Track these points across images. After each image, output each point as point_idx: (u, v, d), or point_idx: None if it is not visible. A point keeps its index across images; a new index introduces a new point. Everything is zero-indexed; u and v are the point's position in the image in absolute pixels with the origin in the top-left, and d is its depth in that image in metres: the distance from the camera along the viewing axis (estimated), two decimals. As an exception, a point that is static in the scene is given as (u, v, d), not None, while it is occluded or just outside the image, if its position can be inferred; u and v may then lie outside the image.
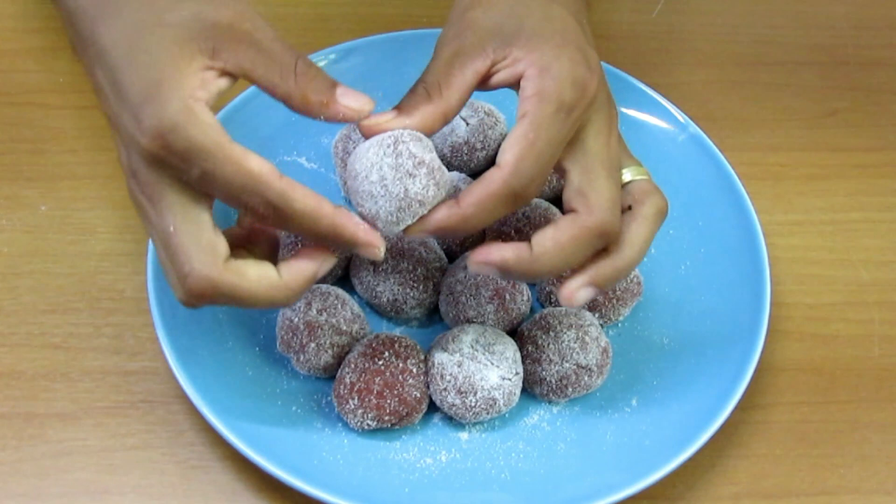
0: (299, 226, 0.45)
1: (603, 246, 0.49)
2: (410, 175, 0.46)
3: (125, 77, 0.44)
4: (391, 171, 0.46)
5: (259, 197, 0.44)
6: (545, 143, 0.46)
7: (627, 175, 0.51)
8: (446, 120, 0.48)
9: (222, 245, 0.45)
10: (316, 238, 0.46)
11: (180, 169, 0.44)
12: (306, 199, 0.45)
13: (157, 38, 0.45)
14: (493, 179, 0.46)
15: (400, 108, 0.48)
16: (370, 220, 0.47)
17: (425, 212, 0.47)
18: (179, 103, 0.43)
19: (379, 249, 0.47)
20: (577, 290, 0.49)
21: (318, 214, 0.45)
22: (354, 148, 0.55)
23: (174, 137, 0.43)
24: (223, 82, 0.46)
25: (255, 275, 0.46)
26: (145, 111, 0.43)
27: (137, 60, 0.44)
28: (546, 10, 0.49)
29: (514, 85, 0.48)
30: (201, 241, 0.45)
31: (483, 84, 0.48)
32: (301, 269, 0.47)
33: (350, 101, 0.47)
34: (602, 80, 0.49)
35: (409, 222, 0.47)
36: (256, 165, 0.44)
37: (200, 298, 0.46)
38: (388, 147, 0.46)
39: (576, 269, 0.49)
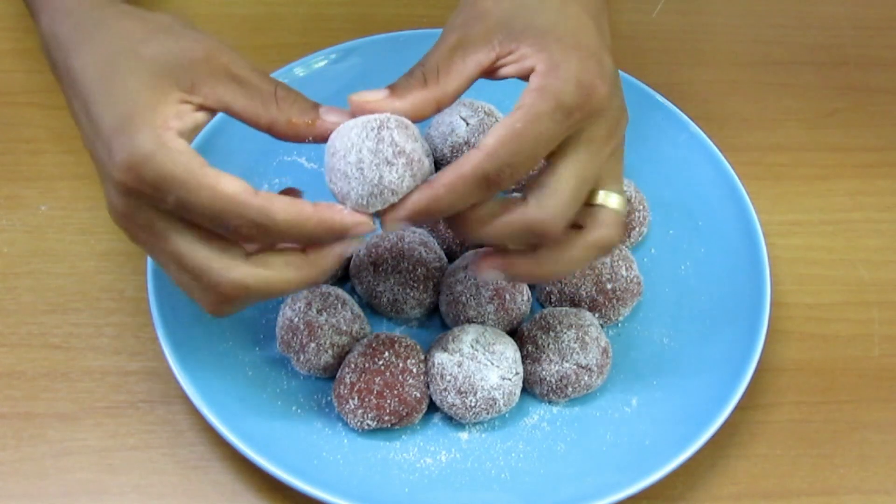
0: (288, 235, 0.45)
1: (534, 242, 0.48)
2: (388, 163, 0.46)
3: (98, 109, 0.44)
4: (370, 156, 0.46)
5: (239, 218, 0.44)
6: (532, 137, 0.45)
7: (600, 197, 0.49)
8: (439, 108, 0.47)
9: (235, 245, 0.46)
10: (309, 241, 0.46)
11: (156, 199, 0.44)
12: (287, 209, 0.45)
13: (131, 70, 0.45)
14: (468, 160, 0.45)
15: (393, 88, 0.47)
16: (340, 200, 0.47)
17: (395, 201, 0.47)
18: (150, 134, 0.43)
19: (369, 224, 0.47)
20: (488, 268, 0.49)
21: (302, 219, 0.45)
22: None
23: (145, 169, 0.43)
24: (200, 116, 0.46)
25: (281, 261, 0.46)
26: (116, 143, 0.43)
27: (111, 92, 0.44)
28: (562, 8, 0.48)
29: (524, 79, 0.47)
30: (214, 250, 0.45)
31: (488, 75, 0.48)
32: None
33: (334, 116, 0.47)
34: (614, 90, 0.47)
35: (379, 208, 0.47)
36: (231, 187, 0.44)
37: (234, 303, 0.46)
38: (372, 130, 0.46)
39: (502, 252, 0.49)
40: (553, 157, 0.47)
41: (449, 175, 0.45)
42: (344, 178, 0.46)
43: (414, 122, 0.47)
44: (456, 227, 0.48)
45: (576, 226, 0.49)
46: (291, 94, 0.47)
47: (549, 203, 0.46)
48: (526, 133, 0.45)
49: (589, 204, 0.49)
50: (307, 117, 0.47)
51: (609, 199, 0.49)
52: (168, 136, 0.44)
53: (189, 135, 0.45)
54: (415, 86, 0.47)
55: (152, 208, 0.45)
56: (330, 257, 0.47)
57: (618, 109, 0.48)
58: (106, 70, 0.45)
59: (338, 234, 0.46)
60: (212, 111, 0.46)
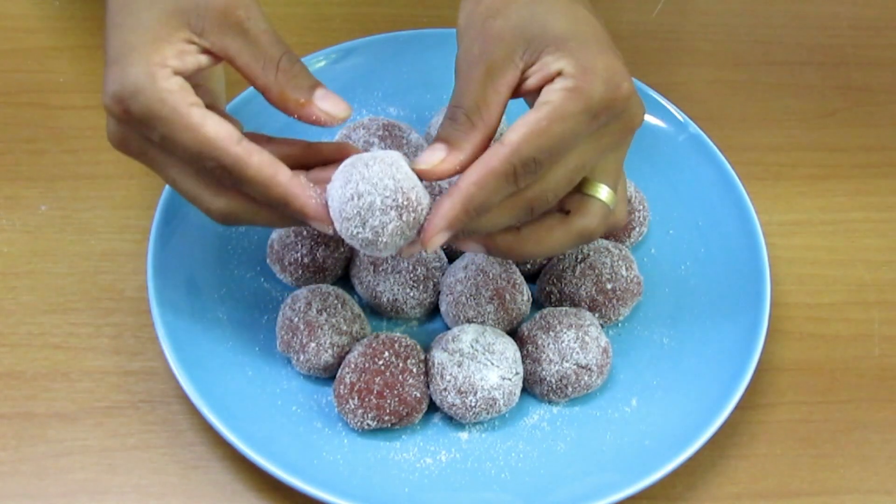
0: (254, 190, 0.46)
1: (524, 214, 0.48)
2: (389, 216, 0.46)
3: (109, 35, 0.46)
4: (379, 199, 0.46)
5: (214, 161, 0.45)
6: (559, 135, 0.45)
7: (592, 187, 0.49)
8: (490, 143, 0.47)
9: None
10: (270, 203, 0.47)
11: (142, 131, 0.45)
12: (261, 166, 0.45)
13: (148, 2, 0.46)
14: (494, 156, 0.45)
15: (447, 140, 0.47)
16: (327, 205, 0.47)
17: (366, 249, 0.47)
18: (143, 68, 0.44)
19: (328, 227, 0.47)
20: (472, 241, 0.49)
21: (271, 182, 0.45)
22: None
23: (131, 102, 0.44)
24: (203, 59, 0.47)
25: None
26: (111, 72, 0.45)
27: (124, 21, 0.46)
28: (570, 11, 0.48)
29: (541, 87, 0.46)
30: (201, 181, 0.47)
31: (516, 92, 0.48)
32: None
33: (327, 104, 0.48)
34: (632, 86, 0.47)
35: (349, 237, 0.47)
36: (213, 130, 0.45)
37: (230, 221, 0.48)
38: (391, 176, 0.46)
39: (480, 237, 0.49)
40: None
41: (476, 173, 0.45)
42: (343, 197, 0.46)
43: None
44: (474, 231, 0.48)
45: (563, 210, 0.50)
46: (296, 66, 0.48)
47: (542, 182, 0.46)
48: (552, 131, 0.45)
49: (579, 192, 0.49)
50: (301, 96, 0.47)
51: (600, 191, 0.49)
52: (161, 74, 0.44)
53: (191, 74, 0.46)
54: (467, 132, 0.47)
55: (144, 138, 0.46)
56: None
57: (636, 105, 0.48)
58: None
59: (293, 214, 0.47)
60: (216, 57, 0.47)
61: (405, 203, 0.46)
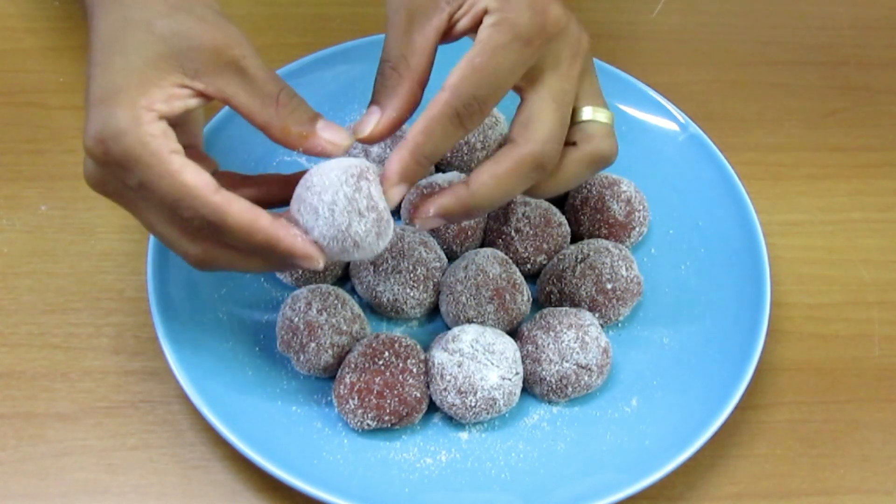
0: (236, 239, 0.45)
1: (540, 177, 0.48)
2: (360, 214, 0.46)
3: (94, 73, 0.45)
4: (344, 201, 0.46)
5: (192, 211, 0.44)
6: (493, 69, 0.45)
7: (587, 113, 0.50)
8: (423, 89, 0.47)
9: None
10: (254, 250, 0.46)
11: (120, 176, 0.44)
12: (242, 214, 0.45)
13: (138, 43, 0.45)
14: (435, 103, 0.45)
15: (378, 100, 0.47)
16: (300, 229, 0.47)
17: (356, 253, 0.47)
18: (129, 111, 0.43)
19: (317, 261, 0.46)
20: (428, 219, 0.49)
21: (253, 228, 0.45)
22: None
23: (113, 144, 0.43)
24: (193, 102, 0.46)
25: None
26: (95, 112, 0.44)
27: (110, 60, 0.45)
28: None
29: (476, 28, 0.47)
30: (178, 227, 0.46)
31: (447, 37, 0.48)
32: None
33: (330, 134, 0.47)
34: (568, 11, 0.47)
35: (335, 253, 0.47)
36: (192, 179, 0.44)
37: (207, 268, 0.47)
38: (352, 177, 0.46)
39: (432, 196, 0.49)
40: (524, 90, 0.47)
41: (421, 122, 0.45)
42: (313, 213, 0.46)
43: (410, 115, 0.47)
44: (465, 212, 0.48)
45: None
46: (293, 100, 0.47)
47: (535, 133, 0.47)
48: (487, 66, 0.45)
49: (574, 123, 0.49)
50: (303, 129, 0.47)
51: (597, 114, 0.49)
52: (147, 118, 0.44)
53: (176, 118, 0.45)
54: (394, 84, 0.47)
55: (121, 181, 0.45)
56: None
57: (576, 30, 0.48)
58: (116, 36, 0.45)
59: (281, 256, 0.46)
60: (208, 98, 0.46)
61: (368, 204, 0.46)
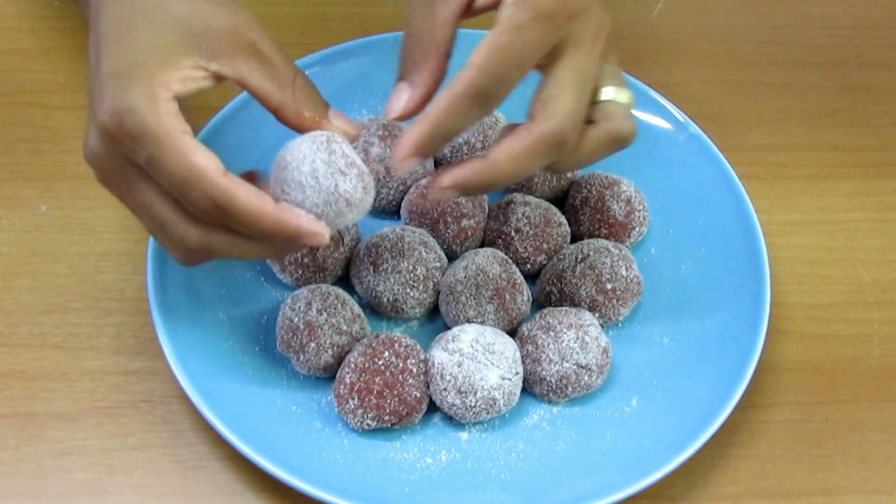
0: (242, 224, 0.46)
1: (558, 155, 0.48)
2: (342, 173, 0.47)
3: (108, 48, 0.45)
4: (323, 166, 0.47)
5: (201, 192, 0.44)
6: (517, 48, 0.45)
7: (609, 93, 0.50)
8: (447, 62, 0.48)
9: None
10: (261, 235, 0.47)
11: (130, 150, 0.45)
12: (249, 198, 0.45)
13: (155, 24, 0.45)
14: (459, 81, 0.45)
15: (405, 77, 0.48)
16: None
17: (350, 213, 0.48)
18: (145, 88, 0.44)
19: (324, 235, 0.47)
20: (444, 191, 0.48)
21: (261, 212, 0.45)
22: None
23: (129, 118, 0.44)
24: (206, 83, 0.47)
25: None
26: (110, 86, 0.44)
27: (126, 39, 0.45)
28: None
29: (496, 5, 0.47)
30: (179, 208, 0.46)
31: (467, 13, 0.48)
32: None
33: (341, 123, 0.50)
34: None
35: (332, 219, 0.48)
36: (203, 160, 0.44)
37: (200, 257, 0.47)
38: (322, 144, 0.48)
39: (449, 168, 0.48)
40: (546, 68, 0.47)
41: (443, 99, 0.45)
42: (299, 187, 0.47)
43: (437, 89, 0.48)
44: (482, 186, 0.48)
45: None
46: (309, 85, 0.49)
47: (555, 111, 0.46)
48: (509, 45, 0.45)
49: (597, 103, 0.49)
50: (316, 114, 0.49)
51: (619, 95, 0.49)
52: (163, 96, 0.44)
53: (188, 98, 0.46)
54: (420, 58, 0.47)
55: (126, 158, 0.45)
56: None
57: (599, 10, 0.48)
58: (132, 16, 0.46)
59: (289, 237, 0.47)
60: (221, 79, 0.47)
61: (347, 162, 0.48)
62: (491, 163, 0.47)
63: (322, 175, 0.47)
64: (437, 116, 0.46)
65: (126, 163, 0.46)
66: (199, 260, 0.48)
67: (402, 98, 0.48)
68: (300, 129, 0.49)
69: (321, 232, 0.47)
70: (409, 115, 0.48)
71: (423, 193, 0.61)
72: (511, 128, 0.48)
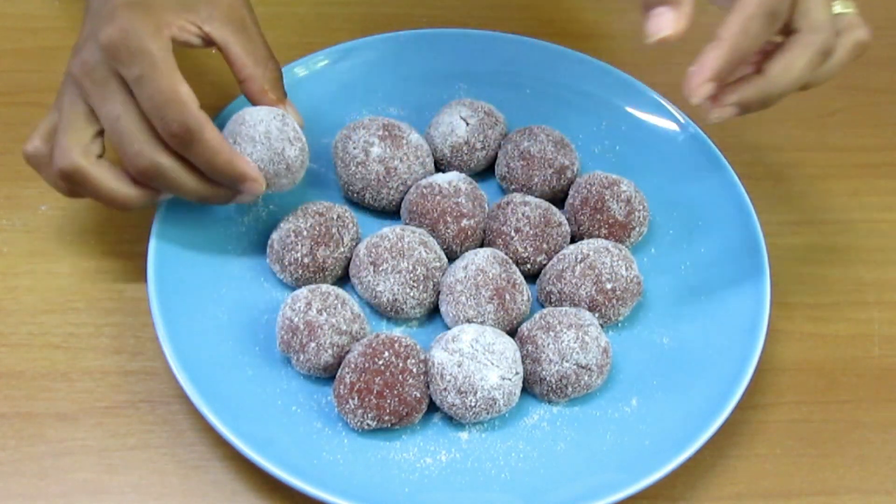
0: (201, 154, 0.52)
1: (822, 62, 0.51)
2: (290, 141, 0.56)
3: None
4: (276, 132, 0.56)
5: (178, 116, 0.51)
6: None
7: (837, 7, 0.53)
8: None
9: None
10: (210, 169, 0.53)
11: (125, 64, 0.50)
12: (214, 133, 0.52)
13: None
14: (747, 3, 0.48)
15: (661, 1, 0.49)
16: None
17: (285, 178, 0.57)
18: (153, 20, 0.51)
19: (261, 184, 0.55)
20: (724, 106, 0.52)
21: (220, 147, 0.53)
22: (351, 143, 0.62)
23: (135, 37, 0.50)
24: (196, 41, 0.55)
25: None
26: (123, 12, 0.51)
27: None
28: None
29: None
30: (147, 127, 0.52)
31: None
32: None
33: (293, 110, 0.58)
34: None
35: (270, 177, 0.56)
36: (186, 91, 0.51)
37: (146, 176, 0.53)
38: (279, 115, 0.56)
39: (730, 86, 0.52)
40: None
41: (736, 21, 0.49)
42: (251, 142, 0.56)
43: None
44: (762, 101, 0.52)
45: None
46: (278, 71, 0.58)
47: (817, 20, 0.51)
48: None
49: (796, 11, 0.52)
50: (275, 94, 0.57)
51: (846, 7, 0.54)
52: (164, 32, 0.52)
53: (178, 45, 0.53)
54: None
55: (113, 70, 0.51)
56: (145, 192, 0.54)
57: None
58: None
59: (235, 179, 0.54)
60: (208, 43, 0.55)
61: (294, 136, 0.57)
62: (769, 77, 0.51)
63: (273, 138, 0.56)
64: (735, 38, 0.49)
65: (113, 75, 0.51)
66: (144, 179, 0.53)
67: (669, 16, 0.49)
68: (259, 103, 0.57)
69: (261, 181, 0.55)
70: (676, 35, 0.49)
71: (422, 193, 0.61)
72: (776, 44, 0.51)
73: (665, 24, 0.49)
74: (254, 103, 0.57)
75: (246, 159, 0.55)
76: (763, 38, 0.49)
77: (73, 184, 0.54)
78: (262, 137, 0.55)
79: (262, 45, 0.56)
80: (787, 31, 0.51)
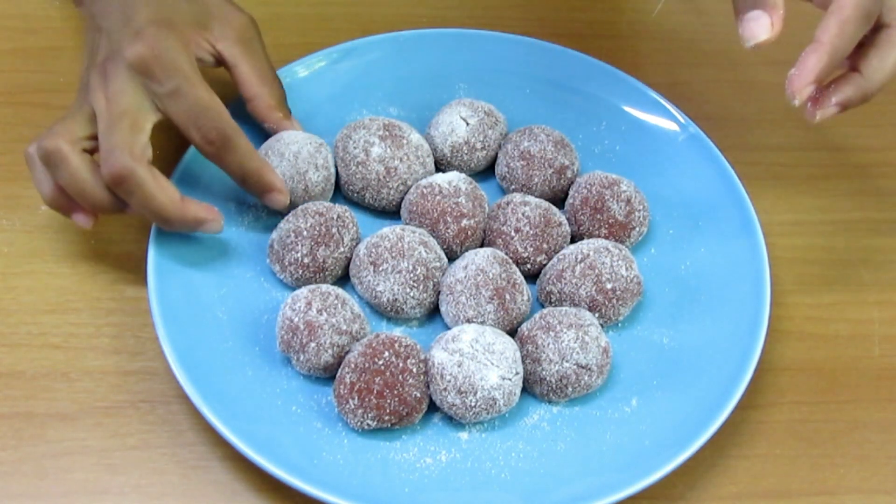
0: (235, 159, 0.56)
1: None
2: (316, 167, 0.60)
3: (145, 4, 0.55)
4: (307, 154, 0.60)
5: (215, 123, 0.54)
6: None
7: None
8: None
9: (150, 151, 0.54)
10: (241, 175, 0.57)
11: (158, 79, 0.53)
12: (246, 141, 0.56)
13: (185, 2, 0.57)
14: (843, 5, 0.50)
15: (758, 4, 0.52)
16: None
17: (301, 200, 0.60)
18: (180, 36, 0.55)
19: (286, 197, 0.58)
20: (826, 108, 0.55)
21: (252, 155, 0.56)
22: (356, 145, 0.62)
23: (167, 54, 0.53)
24: (209, 59, 0.58)
25: (165, 182, 0.54)
26: (151, 30, 0.54)
27: (159, 5, 0.56)
28: None
29: None
30: (140, 138, 0.54)
31: None
32: (198, 205, 0.56)
33: (297, 126, 0.62)
34: None
35: (285, 190, 0.59)
36: (219, 101, 0.55)
37: (116, 179, 0.53)
38: (315, 143, 0.61)
39: (827, 89, 0.55)
40: None
41: (834, 24, 0.51)
42: (279, 156, 0.60)
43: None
44: (861, 99, 0.54)
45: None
46: (282, 90, 0.61)
47: None
48: None
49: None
50: (280, 113, 0.61)
51: None
52: (191, 49, 0.56)
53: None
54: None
55: (138, 83, 0.54)
56: (194, 212, 0.55)
57: None
58: None
59: (262, 186, 0.57)
60: (220, 63, 0.59)
61: (323, 163, 0.61)
62: (868, 76, 0.53)
63: (301, 159, 0.59)
64: (834, 41, 0.51)
65: (142, 89, 0.54)
66: (114, 182, 0.53)
67: (764, 22, 0.52)
68: (266, 120, 0.61)
69: (285, 194, 0.58)
70: (775, 37, 0.52)
71: (422, 193, 0.61)
72: (871, 39, 0.53)
73: (760, 29, 0.52)
74: (261, 120, 0.61)
75: (275, 172, 0.58)
76: (858, 38, 0.51)
77: (124, 190, 0.53)
78: (290, 155, 0.59)
79: (268, 65, 0.60)
80: (877, 26, 0.53)
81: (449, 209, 0.60)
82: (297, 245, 0.58)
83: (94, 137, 0.54)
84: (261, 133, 0.62)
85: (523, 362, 0.56)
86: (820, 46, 0.51)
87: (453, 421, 0.55)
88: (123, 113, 0.53)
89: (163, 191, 0.54)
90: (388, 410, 0.53)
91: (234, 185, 0.59)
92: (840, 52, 0.51)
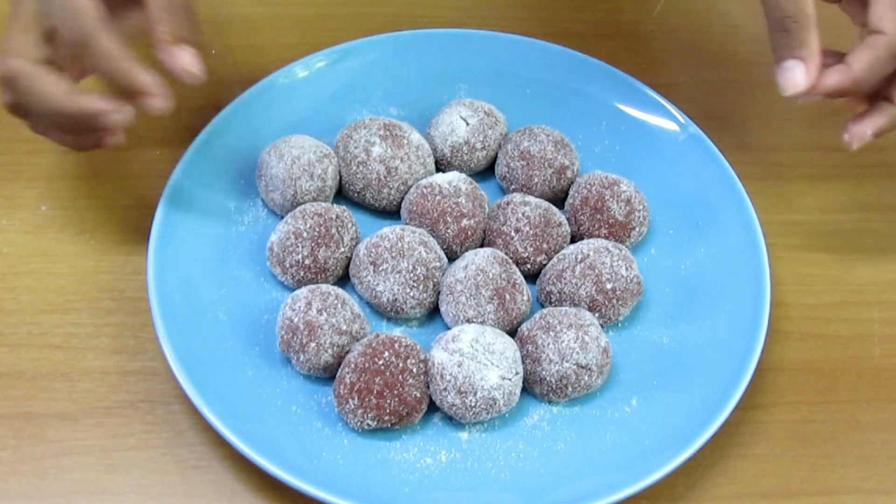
0: (98, 61, 0.50)
1: None
2: (312, 177, 0.60)
3: None
4: (306, 162, 0.60)
5: (73, 24, 0.50)
6: None
7: None
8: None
9: (44, 50, 0.51)
10: (110, 79, 0.51)
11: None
12: (111, 43, 0.50)
13: None
14: (877, 44, 0.54)
15: (794, 54, 0.54)
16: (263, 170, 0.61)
17: (288, 204, 0.59)
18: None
19: (165, 102, 0.51)
20: (862, 135, 0.58)
21: (118, 55, 0.50)
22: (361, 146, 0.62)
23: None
24: None
25: (57, 78, 0.51)
26: None
27: None
28: None
29: None
30: (29, 37, 0.51)
31: None
32: (94, 97, 0.51)
33: (185, 57, 0.52)
34: None
35: (273, 195, 0.60)
36: (85, 2, 0.50)
37: (6, 80, 0.52)
38: (321, 152, 0.61)
39: (862, 116, 0.58)
40: None
41: (865, 58, 0.54)
42: (279, 156, 0.60)
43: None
44: (892, 128, 0.57)
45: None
46: (189, 16, 0.53)
47: None
48: None
49: None
50: (173, 35, 0.52)
51: None
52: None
53: None
54: (803, 36, 0.54)
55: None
56: (89, 101, 0.51)
57: None
58: None
59: (132, 90, 0.51)
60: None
61: (321, 175, 0.60)
62: None
63: (299, 165, 0.59)
64: (861, 73, 0.54)
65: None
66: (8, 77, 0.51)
67: (800, 71, 0.54)
68: (156, 52, 0.52)
69: (163, 97, 0.51)
70: (809, 87, 0.54)
71: (422, 193, 0.61)
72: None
73: (798, 79, 0.55)
74: (154, 34, 0.53)
75: (149, 74, 0.51)
76: (884, 75, 0.55)
77: (13, 91, 0.52)
78: (289, 159, 0.59)
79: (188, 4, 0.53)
80: None
81: (449, 209, 0.60)
82: (298, 247, 0.58)
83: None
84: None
85: (523, 362, 0.56)
86: (846, 69, 0.54)
87: (453, 421, 0.55)
88: (15, 15, 0.52)
89: (52, 84, 0.52)
90: (388, 410, 0.53)
91: (235, 183, 0.59)
92: (864, 84, 0.55)
